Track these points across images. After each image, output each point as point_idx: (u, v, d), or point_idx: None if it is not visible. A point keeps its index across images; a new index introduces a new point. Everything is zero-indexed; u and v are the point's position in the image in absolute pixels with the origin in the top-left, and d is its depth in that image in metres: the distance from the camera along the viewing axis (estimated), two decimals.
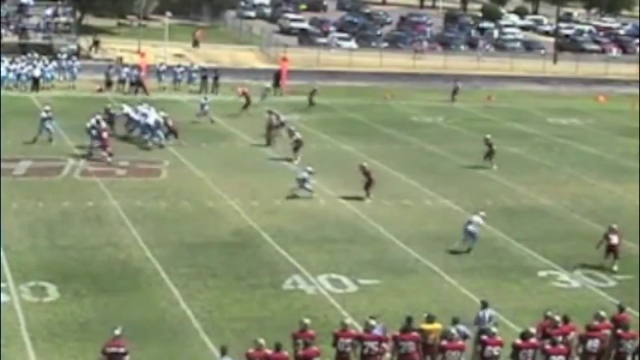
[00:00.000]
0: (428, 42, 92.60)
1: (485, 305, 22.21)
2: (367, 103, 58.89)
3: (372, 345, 19.87)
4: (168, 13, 76.24)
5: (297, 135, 40.70)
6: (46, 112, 41.88)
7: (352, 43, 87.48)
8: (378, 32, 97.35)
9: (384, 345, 19.99)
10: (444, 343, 20.05)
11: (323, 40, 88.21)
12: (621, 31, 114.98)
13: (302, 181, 35.16)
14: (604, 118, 59.07)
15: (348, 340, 20.04)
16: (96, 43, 74.34)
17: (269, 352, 19.09)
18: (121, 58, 62.82)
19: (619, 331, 21.13)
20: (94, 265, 27.22)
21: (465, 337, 20.40)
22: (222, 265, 27.89)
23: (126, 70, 58.28)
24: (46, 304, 24.21)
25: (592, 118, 58.94)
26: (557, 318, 21.17)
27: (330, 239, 31.00)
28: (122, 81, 57.66)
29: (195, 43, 73.32)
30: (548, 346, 20.14)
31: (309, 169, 35.50)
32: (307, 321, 20.39)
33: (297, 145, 40.19)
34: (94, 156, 39.09)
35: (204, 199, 34.71)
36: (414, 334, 20.13)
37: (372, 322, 20.28)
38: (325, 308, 24.88)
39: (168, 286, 25.96)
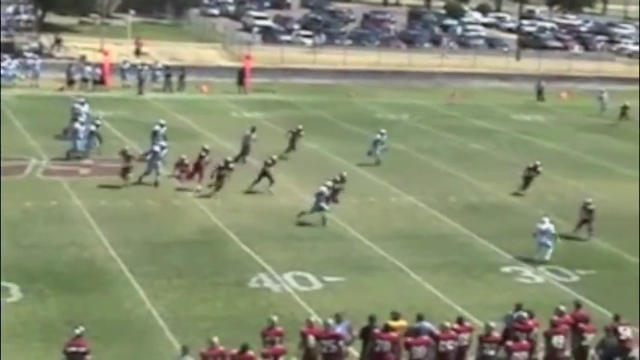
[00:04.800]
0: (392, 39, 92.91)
1: (518, 308, 21.88)
2: (331, 100, 58.94)
3: (330, 344, 19.89)
4: (132, 11, 75.84)
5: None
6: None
7: (316, 41, 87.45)
8: (342, 30, 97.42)
9: (340, 343, 20.01)
10: (409, 339, 20.13)
11: (287, 37, 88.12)
12: (583, 28, 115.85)
13: (319, 196, 32.37)
14: (567, 114, 59.50)
15: (313, 337, 20.05)
16: (58, 42, 73.76)
17: (221, 348, 19.10)
18: (83, 57, 62.43)
19: (580, 325, 21.34)
20: (57, 265, 27.03)
21: (430, 333, 20.47)
22: (188, 264, 27.80)
23: (88, 68, 57.91)
24: (9, 305, 23.98)
25: (555, 114, 59.36)
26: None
27: (296, 237, 31.00)
28: (85, 79, 57.27)
29: (137, 52, 72.49)
30: (510, 342, 20.32)
31: (329, 183, 33.32)
32: (275, 318, 20.41)
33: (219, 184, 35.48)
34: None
35: (169, 198, 34.59)
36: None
37: (330, 321, 20.32)
38: (291, 306, 24.87)
39: (133, 286, 25.84)
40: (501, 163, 43.85)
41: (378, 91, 64.29)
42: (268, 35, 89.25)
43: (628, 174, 42.67)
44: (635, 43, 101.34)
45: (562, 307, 21.87)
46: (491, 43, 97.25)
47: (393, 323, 20.56)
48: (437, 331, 20.40)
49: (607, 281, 28.25)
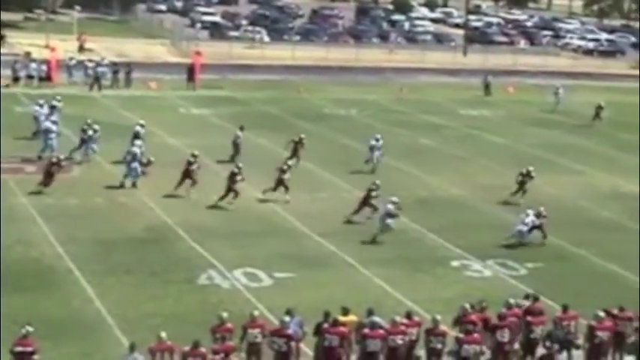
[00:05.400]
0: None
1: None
2: (280, 96, 58.84)
3: (282, 342, 19.90)
4: (78, 7, 75.08)
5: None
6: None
7: (264, 37, 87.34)
8: (290, 25, 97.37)
9: (292, 343, 20.02)
10: (366, 331, 20.20)
11: (235, 33, 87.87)
12: (528, 23, 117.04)
13: (386, 216, 30.82)
14: (514, 108, 59.99)
15: (257, 331, 20.13)
16: (2, 38, 72.80)
17: (169, 343, 19.11)
18: (28, 53, 61.67)
19: (529, 317, 21.54)
20: (4, 264, 26.66)
21: (379, 327, 20.49)
22: (137, 262, 27.62)
23: (33, 65, 57.23)
24: None
25: (502, 109, 59.82)
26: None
27: (245, 233, 30.92)
28: (30, 76, 56.58)
29: (81, 48, 71.76)
30: (461, 335, 20.46)
31: (394, 199, 31.43)
32: (225, 315, 20.35)
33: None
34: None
35: (117, 195, 34.33)
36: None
37: (287, 319, 20.34)
38: (241, 302, 24.80)
39: (82, 284, 25.62)
40: (450, 157, 44.10)
41: (326, 86, 64.32)
42: (216, 31, 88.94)
43: (574, 167, 43.16)
44: (580, 38, 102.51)
45: (511, 300, 22.06)
46: (439, 39, 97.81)
47: (342, 318, 20.60)
48: (386, 326, 20.46)
49: (554, 274, 28.57)
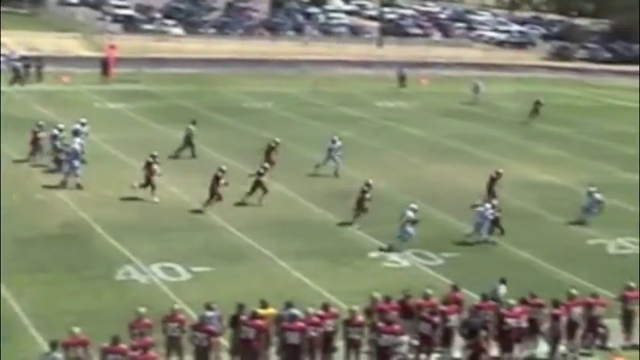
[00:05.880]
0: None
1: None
2: (196, 90, 58.56)
3: (203, 337, 19.90)
4: None
5: None
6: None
7: (179, 30, 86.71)
8: (205, 18, 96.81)
9: (212, 339, 20.02)
10: (285, 324, 20.28)
11: (149, 26, 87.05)
12: (442, 15, 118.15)
13: (407, 223, 29.95)
14: (428, 100, 60.59)
15: (176, 325, 20.15)
16: None
17: (83, 337, 19.00)
18: None
19: (442, 307, 21.83)
20: None
21: (295, 318, 20.54)
22: (53, 259, 27.26)
23: None
24: None
25: (417, 100, 60.37)
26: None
27: (163, 228, 30.73)
28: None
29: None
30: (381, 324, 20.66)
31: (414, 206, 30.64)
32: (142, 310, 20.26)
33: None
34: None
35: (33, 193, 33.81)
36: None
37: (209, 314, 20.34)
38: (159, 297, 24.66)
39: None
40: (366, 149, 44.36)
41: (242, 79, 64.17)
42: (130, 24, 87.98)
43: (488, 158, 43.75)
44: (492, 30, 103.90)
45: (429, 291, 22.32)
46: (354, 31, 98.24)
47: (261, 311, 20.64)
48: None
49: (470, 263, 28.96)
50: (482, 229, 30.90)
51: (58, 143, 36.73)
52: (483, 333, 20.98)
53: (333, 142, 39.13)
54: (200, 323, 20.16)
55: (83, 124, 39.61)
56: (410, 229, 29.75)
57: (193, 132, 40.78)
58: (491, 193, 34.83)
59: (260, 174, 34.01)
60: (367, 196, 32.26)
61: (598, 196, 33.55)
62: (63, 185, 34.50)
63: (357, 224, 31.84)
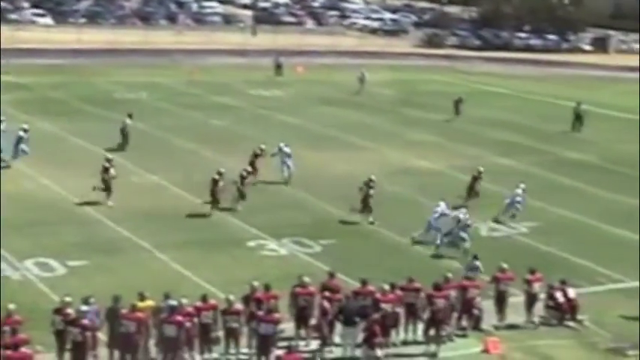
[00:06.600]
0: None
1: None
2: (67, 80, 57.47)
3: (77, 332, 19.61)
4: None
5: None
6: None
7: (48, 20, 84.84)
8: (75, 7, 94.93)
9: (87, 334, 19.73)
10: (164, 316, 20.19)
11: (16, 16, 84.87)
12: (315, 4, 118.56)
13: (460, 229, 29.16)
14: (303, 88, 60.81)
15: (60, 318, 19.92)
16: None
17: None
18: None
19: (326, 293, 21.99)
20: None
21: (173, 309, 20.38)
22: None
23: None
24: None
25: (292, 88, 60.52)
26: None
27: (36, 222, 30.08)
28: None
29: None
30: (260, 312, 20.70)
31: (464, 209, 30.37)
32: (12, 307, 19.86)
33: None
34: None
35: None
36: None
37: (84, 308, 20.03)
38: (33, 293, 24.15)
39: None
40: (242, 138, 44.22)
41: (115, 70, 63.24)
42: None
43: (364, 144, 44.22)
44: (365, 18, 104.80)
45: (305, 278, 22.41)
46: (228, 20, 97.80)
47: (139, 304, 20.43)
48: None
49: (348, 249, 29.20)
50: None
51: None
52: (358, 319, 21.28)
53: (280, 149, 37.13)
54: (74, 318, 19.80)
55: (26, 131, 37.73)
56: (464, 234, 29.06)
57: (129, 125, 40.37)
58: (474, 192, 34.53)
59: (243, 177, 33.11)
60: (371, 192, 32.03)
61: (519, 197, 33.27)
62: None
63: (371, 218, 31.57)
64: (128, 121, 40.83)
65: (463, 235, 29.13)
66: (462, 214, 29.61)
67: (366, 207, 31.91)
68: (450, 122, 50.48)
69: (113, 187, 32.53)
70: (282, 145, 37.18)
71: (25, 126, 37.80)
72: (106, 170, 32.72)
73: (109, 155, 34.06)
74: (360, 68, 62.55)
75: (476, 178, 34.84)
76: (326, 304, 21.64)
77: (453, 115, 52.20)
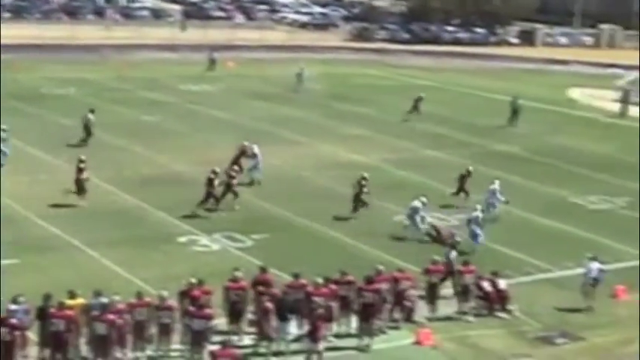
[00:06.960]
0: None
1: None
2: None
3: (6, 332, 19.36)
4: None
5: None
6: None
7: None
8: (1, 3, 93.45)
9: (16, 333, 19.49)
10: (95, 314, 20.06)
11: None
12: None
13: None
14: (234, 83, 60.64)
15: None
16: None
17: None
18: None
19: (260, 288, 21.99)
20: None
21: (104, 307, 20.26)
22: None
23: None
24: None
25: (223, 83, 60.32)
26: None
27: None
28: None
29: None
30: (192, 308, 20.65)
31: (479, 206, 30.47)
32: None
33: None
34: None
35: None
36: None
37: (13, 307, 19.77)
38: None
39: None
40: (172, 134, 44.05)
41: (42, 65, 62.44)
42: None
43: (295, 138, 44.28)
44: (294, 12, 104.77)
45: (237, 273, 22.39)
46: (156, 14, 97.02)
47: (69, 302, 20.25)
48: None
49: (280, 244, 29.23)
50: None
51: None
52: (290, 315, 21.37)
53: (254, 155, 36.62)
54: (3, 317, 19.53)
55: (5, 131, 36.85)
56: (478, 230, 29.30)
57: (92, 120, 40.33)
58: (463, 191, 34.53)
59: (231, 177, 32.80)
60: (365, 190, 31.98)
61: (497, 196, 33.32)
62: None
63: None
64: (90, 115, 40.61)
65: (477, 231, 29.34)
66: (474, 211, 29.70)
67: (358, 204, 31.99)
68: (407, 122, 50.29)
69: (83, 187, 32.09)
70: (253, 146, 36.79)
71: (4, 126, 37.09)
72: (80, 171, 32.33)
73: (83, 156, 33.46)
74: (299, 63, 62.31)
75: (464, 177, 34.86)
76: (268, 303, 21.54)
77: (413, 114, 51.35)
